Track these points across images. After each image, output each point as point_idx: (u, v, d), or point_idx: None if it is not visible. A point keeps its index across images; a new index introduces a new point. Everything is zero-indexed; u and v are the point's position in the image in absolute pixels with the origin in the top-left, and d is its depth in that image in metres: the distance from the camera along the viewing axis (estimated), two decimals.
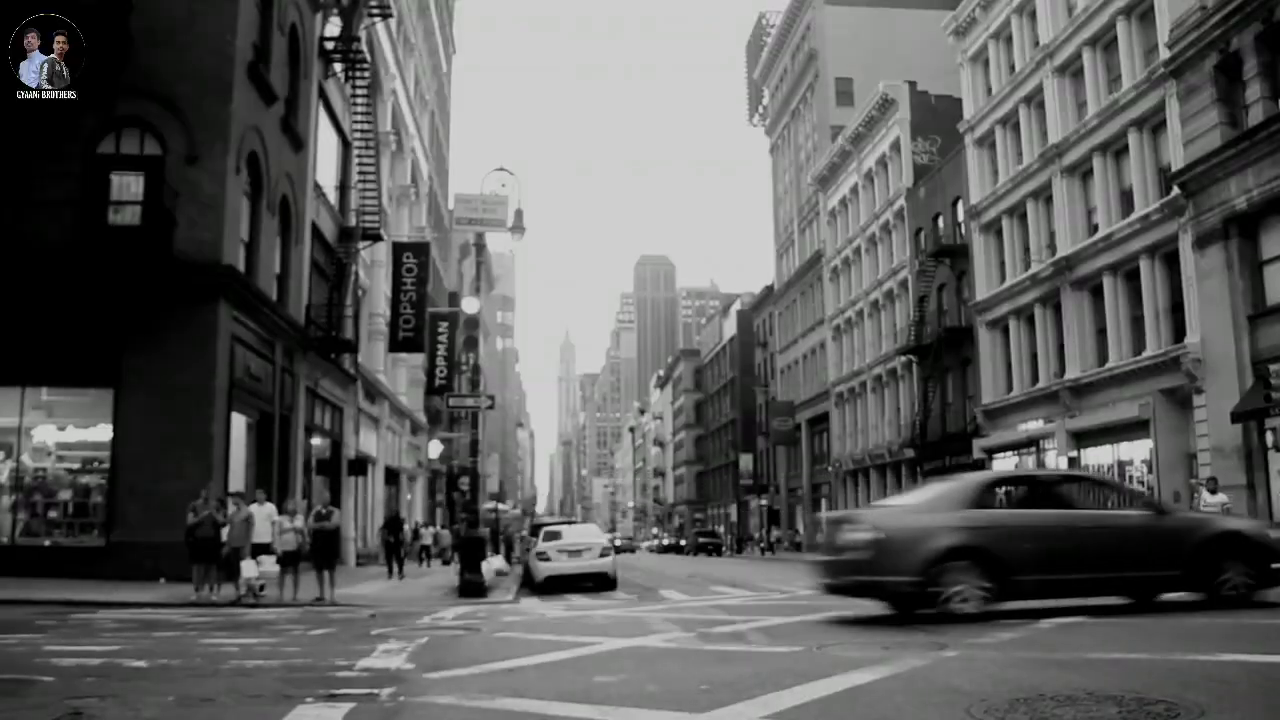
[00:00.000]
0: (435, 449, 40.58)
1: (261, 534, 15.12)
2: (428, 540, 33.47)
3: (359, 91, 27.23)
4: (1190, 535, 10.40)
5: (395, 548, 23.79)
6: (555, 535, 21.56)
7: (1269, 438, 21.49)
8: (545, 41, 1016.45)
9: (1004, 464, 35.42)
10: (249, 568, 14.69)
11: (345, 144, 28.77)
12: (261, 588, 14.84)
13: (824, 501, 56.33)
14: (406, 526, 29.13)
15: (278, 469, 21.76)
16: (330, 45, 26.01)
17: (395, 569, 23.23)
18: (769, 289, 70.84)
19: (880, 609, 10.49)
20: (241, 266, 19.32)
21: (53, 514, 18.46)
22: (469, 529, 18.82)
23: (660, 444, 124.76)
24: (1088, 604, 10.29)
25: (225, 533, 14.81)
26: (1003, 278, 34.65)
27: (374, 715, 5.29)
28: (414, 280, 31.98)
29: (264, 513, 15.42)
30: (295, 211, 23.01)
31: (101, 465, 18.15)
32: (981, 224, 35.83)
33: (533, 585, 20.46)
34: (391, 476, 36.77)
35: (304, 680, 6.59)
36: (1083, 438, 29.57)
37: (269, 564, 15.09)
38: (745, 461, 73.73)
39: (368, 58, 27.80)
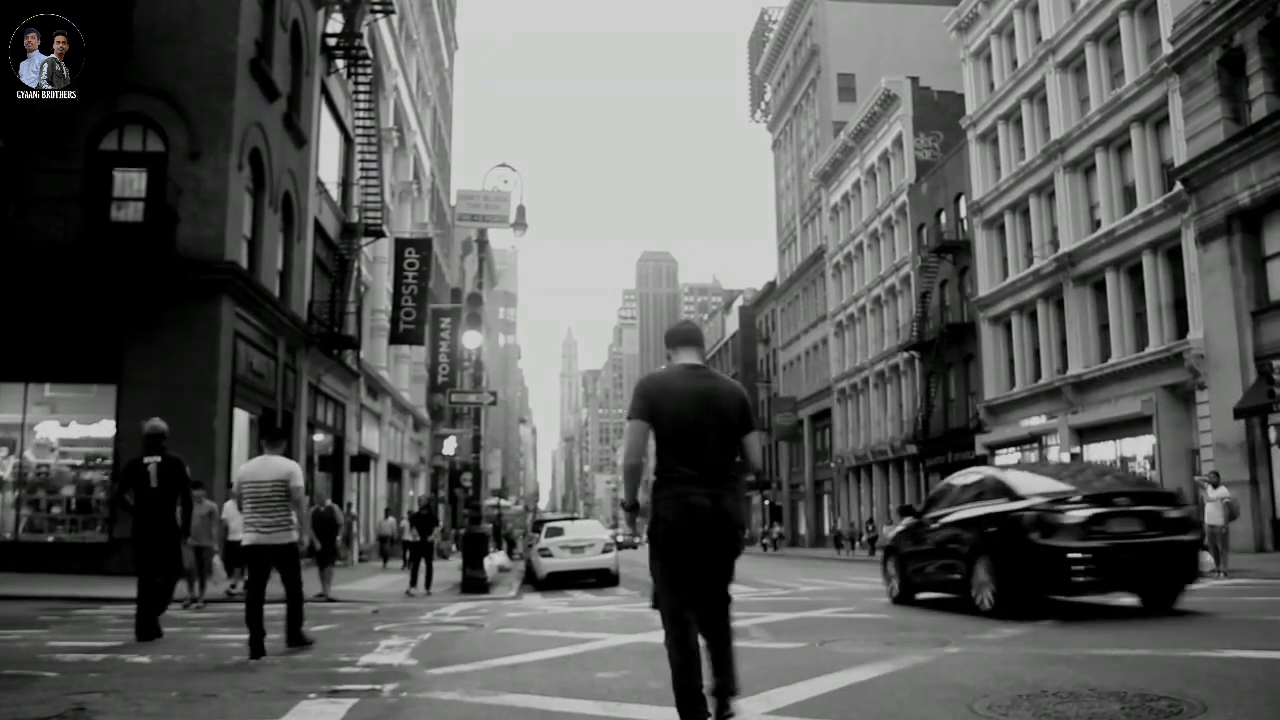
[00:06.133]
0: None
1: (237, 532, 13.96)
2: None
3: (361, 88, 27.20)
4: None
5: (425, 550, 17.79)
6: (558, 531, 21.57)
7: (1272, 433, 21.49)
8: (547, 38, 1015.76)
9: (1007, 460, 35.44)
10: (219, 569, 13.79)
11: (347, 140, 28.75)
12: (233, 587, 13.96)
13: (826, 498, 56.36)
14: (439, 526, 25.07)
15: None
16: (332, 41, 25.98)
17: (423, 578, 17.39)
18: (771, 285, 70.78)
19: (880, 609, 10.45)
20: (244, 263, 19.31)
21: (56, 510, 18.47)
22: (471, 525, 18.80)
23: None
24: (1090, 601, 10.27)
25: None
26: (1005, 274, 34.62)
27: (376, 711, 5.29)
28: (415, 275, 32.01)
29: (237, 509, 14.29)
30: (298, 208, 23.00)
31: (104, 461, 18.14)
32: (984, 220, 35.79)
33: (535, 581, 20.48)
34: (394, 473, 36.82)
35: (307, 676, 6.59)
36: (1085, 434, 29.57)
37: None
38: None
39: (370, 54, 27.76)
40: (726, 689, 4.22)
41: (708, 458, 4.26)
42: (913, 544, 12.00)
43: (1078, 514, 9.36)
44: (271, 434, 9.10)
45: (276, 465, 8.29)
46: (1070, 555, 9.16)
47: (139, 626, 8.82)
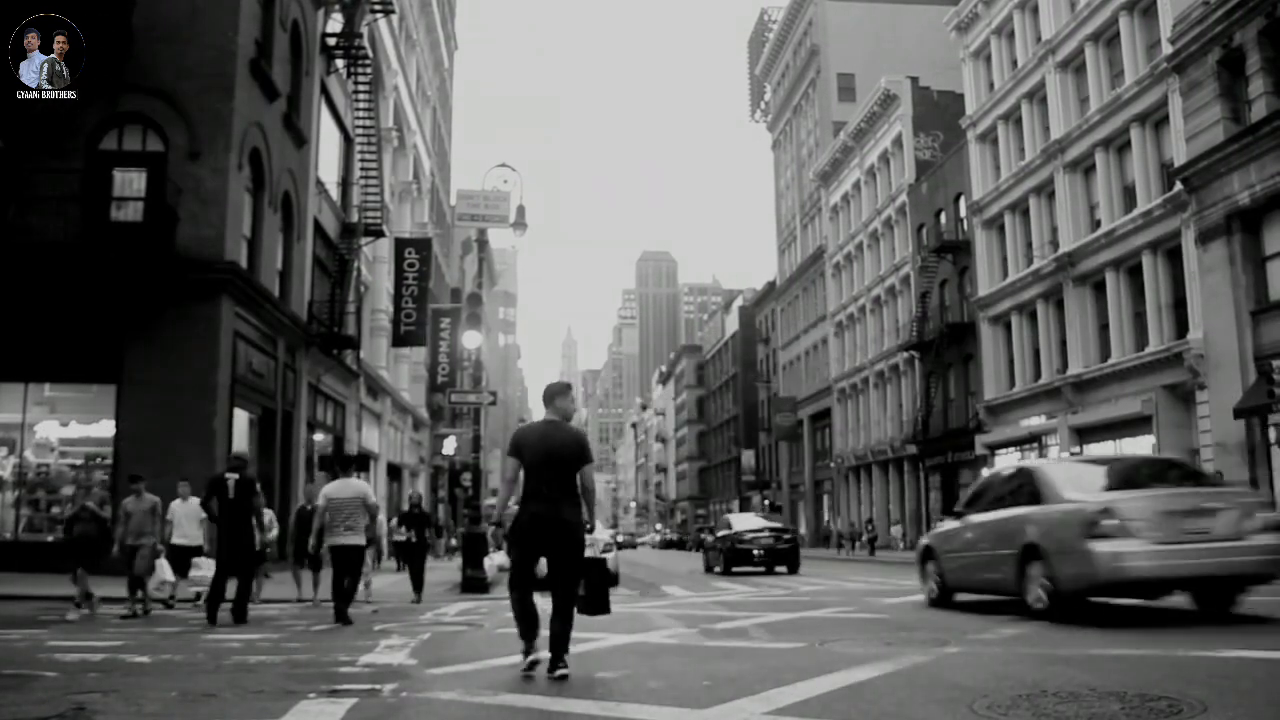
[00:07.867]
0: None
1: (190, 534, 13.11)
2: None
3: (361, 87, 27.19)
4: None
5: (419, 552, 16.11)
6: None
7: (1272, 433, 21.46)
8: (547, 39, 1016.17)
9: (1006, 460, 35.43)
10: (164, 569, 12.80)
11: (347, 140, 28.74)
12: (197, 595, 12.76)
13: (826, 498, 56.36)
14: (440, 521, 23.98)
15: (280, 465, 21.78)
16: (332, 41, 25.98)
17: (416, 584, 15.56)
18: (771, 285, 70.78)
19: (881, 610, 10.46)
20: (244, 263, 19.31)
21: (55, 510, 18.46)
22: (471, 525, 18.80)
23: (662, 440, 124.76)
24: (1090, 600, 10.27)
25: (160, 529, 12.74)
26: (1005, 273, 34.62)
27: (376, 711, 5.28)
28: (416, 275, 32.03)
29: (187, 510, 13.12)
30: (297, 207, 23.00)
31: (104, 461, 18.16)
32: (984, 220, 35.79)
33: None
34: (394, 472, 36.83)
35: (306, 676, 6.59)
36: (1085, 434, 29.55)
37: (208, 567, 12.60)
38: (747, 457, 73.73)
39: (370, 54, 27.75)
40: (559, 657, 6.16)
41: (552, 483, 6.28)
42: (710, 546, 26.14)
43: (751, 535, 23.56)
44: (344, 463, 12.05)
45: (355, 486, 11.22)
46: (751, 551, 23.13)
47: (235, 611, 10.89)
